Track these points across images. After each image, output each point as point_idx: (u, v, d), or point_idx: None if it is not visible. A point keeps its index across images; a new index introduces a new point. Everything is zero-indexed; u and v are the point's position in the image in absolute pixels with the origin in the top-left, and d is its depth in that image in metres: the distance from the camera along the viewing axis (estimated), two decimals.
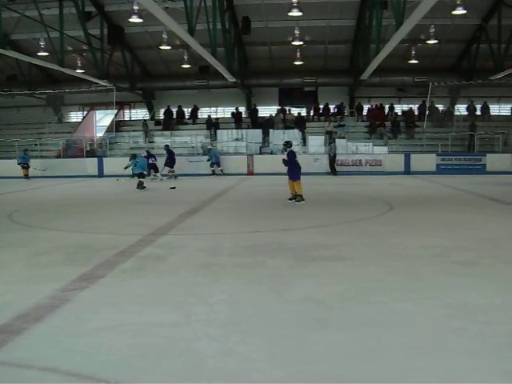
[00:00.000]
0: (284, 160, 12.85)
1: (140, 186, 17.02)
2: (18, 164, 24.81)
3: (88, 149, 28.20)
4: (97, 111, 33.73)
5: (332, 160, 23.82)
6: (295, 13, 20.11)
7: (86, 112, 33.35)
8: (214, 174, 23.98)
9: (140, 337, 3.90)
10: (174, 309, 4.53)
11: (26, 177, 24.60)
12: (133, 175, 18.47)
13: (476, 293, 4.89)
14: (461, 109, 29.80)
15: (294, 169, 12.56)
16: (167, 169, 22.74)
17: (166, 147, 23.24)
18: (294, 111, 30.12)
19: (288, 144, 13.04)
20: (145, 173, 18.02)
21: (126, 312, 4.46)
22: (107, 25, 24.95)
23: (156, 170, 21.86)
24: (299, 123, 28.25)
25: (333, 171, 23.64)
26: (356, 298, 4.80)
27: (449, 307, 4.49)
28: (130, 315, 4.38)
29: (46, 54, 23.57)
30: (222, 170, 24.27)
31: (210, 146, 25.41)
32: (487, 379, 3.14)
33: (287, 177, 12.83)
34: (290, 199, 12.58)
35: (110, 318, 4.31)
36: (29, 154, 25.41)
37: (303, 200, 12.43)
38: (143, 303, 4.72)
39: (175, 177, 22.62)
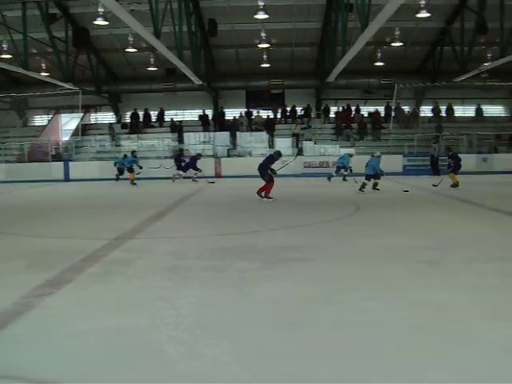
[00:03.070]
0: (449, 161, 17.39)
1: (375, 186, 15.87)
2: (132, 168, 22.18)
3: (54, 153, 27.84)
4: (62, 115, 33.34)
5: (435, 161, 23.76)
6: (261, 15, 20.11)
7: (51, 115, 32.90)
8: (344, 179, 20.68)
9: (107, 342, 3.84)
10: (141, 313, 4.47)
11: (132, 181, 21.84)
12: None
13: (441, 291, 4.95)
14: (426, 110, 30.29)
15: (457, 165, 17.15)
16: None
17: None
18: (262, 114, 30.15)
19: (449, 149, 18.46)
20: (382, 172, 16.01)
21: (93, 317, 4.39)
22: (72, 27, 24.69)
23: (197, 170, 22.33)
24: (269, 126, 28.31)
25: (436, 172, 23.05)
26: (325, 298, 4.80)
27: (415, 306, 4.52)
28: (97, 320, 4.31)
29: (9, 56, 23.16)
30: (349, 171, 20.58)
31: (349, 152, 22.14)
32: (438, 378, 3.17)
33: None
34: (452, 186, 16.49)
35: (76, 323, 4.23)
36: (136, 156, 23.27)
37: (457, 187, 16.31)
38: (110, 308, 4.65)
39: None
